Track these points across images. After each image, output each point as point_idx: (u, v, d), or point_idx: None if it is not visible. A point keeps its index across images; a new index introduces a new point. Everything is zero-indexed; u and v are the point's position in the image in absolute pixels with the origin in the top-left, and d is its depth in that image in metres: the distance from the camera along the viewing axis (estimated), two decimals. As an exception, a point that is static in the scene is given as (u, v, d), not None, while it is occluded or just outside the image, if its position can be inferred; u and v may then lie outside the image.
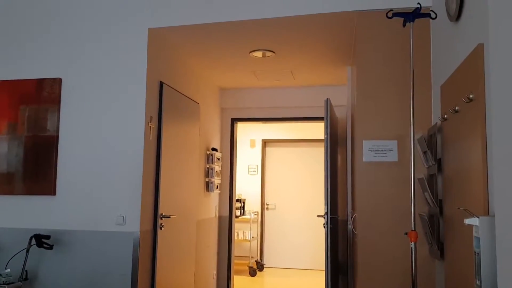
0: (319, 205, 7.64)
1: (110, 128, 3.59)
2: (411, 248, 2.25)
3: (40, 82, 3.70)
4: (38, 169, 3.63)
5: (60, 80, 3.69)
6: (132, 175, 3.51)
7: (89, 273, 3.47)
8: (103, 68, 3.65)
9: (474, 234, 1.76)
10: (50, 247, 3.38)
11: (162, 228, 3.77)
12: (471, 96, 2.00)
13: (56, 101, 3.67)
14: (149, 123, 3.63)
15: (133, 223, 3.47)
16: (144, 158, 3.53)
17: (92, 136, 3.61)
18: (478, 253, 1.71)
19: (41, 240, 3.37)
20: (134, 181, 3.50)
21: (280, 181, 8.00)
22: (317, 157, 7.85)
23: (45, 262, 3.54)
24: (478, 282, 1.72)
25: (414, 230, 2.28)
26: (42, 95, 3.69)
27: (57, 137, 3.66)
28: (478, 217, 1.69)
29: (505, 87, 1.65)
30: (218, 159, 5.41)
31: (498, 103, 1.69)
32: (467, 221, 1.76)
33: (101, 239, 3.49)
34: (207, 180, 5.13)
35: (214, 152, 5.24)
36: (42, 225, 3.59)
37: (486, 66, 1.88)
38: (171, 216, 3.89)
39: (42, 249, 3.48)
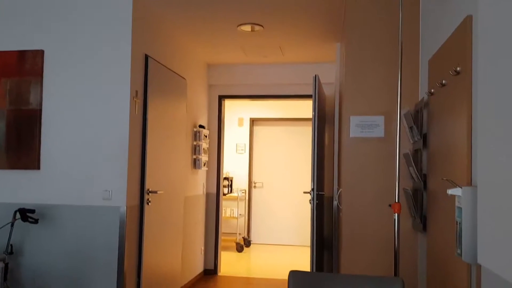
0: (306, 184, 7.69)
1: (95, 102, 3.54)
2: (395, 219, 2.28)
3: (21, 54, 3.62)
4: (21, 144, 3.58)
5: (42, 52, 3.61)
6: (117, 149, 3.48)
7: (76, 247, 3.46)
8: (86, 40, 3.58)
9: (457, 204, 1.78)
10: (35, 221, 3.36)
11: (149, 204, 3.77)
12: (458, 68, 2.00)
13: (38, 74, 3.60)
14: (135, 98, 3.58)
15: (120, 198, 3.45)
16: (130, 133, 3.50)
17: (76, 110, 3.56)
18: (459, 223, 1.73)
19: (25, 214, 3.35)
20: (120, 156, 3.47)
21: (268, 160, 8.02)
22: (305, 136, 7.86)
23: (31, 237, 3.52)
24: (459, 251, 1.75)
25: (398, 202, 2.31)
26: (24, 67, 3.61)
27: (40, 110, 3.60)
28: (461, 188, 1.70)
29: (493, 58, 1.64)
30: (206, 136, 5.38)
31: (485, 74, 1.69)
32: (450, 191, 1.78)
33: (87, 213, 3.48)
34: (194, 157, 5.12)
35: (201, 129, 5.22)
36: (27, 200, 3.55)
37: (474, 37, 1.88)
38: (158, 192, 3.88)
39: (27, 223, 3.45)
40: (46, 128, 3.59)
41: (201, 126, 5.29)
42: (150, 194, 3.77)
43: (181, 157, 4.57)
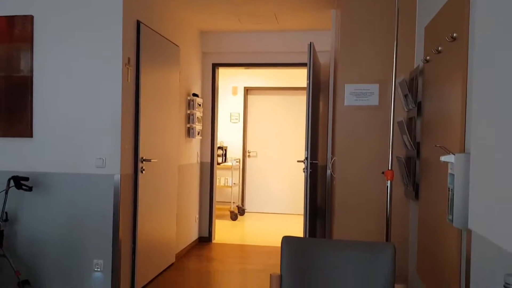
0: (300, 153, 7.69)
1: (86, 68, 3.48)
2: (387, 186, 2.30)
3: (10, 19, 3.53)
4: (13, 111, 3.54)
5: (31, 17, 3.52)
6: (110, 117, 3.45)
7: (70, 214, 3.48)
8: (76, 6, 3.49)
9: (449, 171, 1.80)
10: (29, 189, 3.36)
11: (143, 172, 3.77)
12: (454, 35, 1.98)
13: (28, 40, 3.52)
14: (127, 65, 3.53)
15: (114, 165, 3.45)
16: (123, 101, 3.46)
17: (68, 77, 3.51)
18: (451, 189, 1.75)
19: (19, 182, 3.34)
20: (113, 123, 3.45)
21: (262, 129, 8.01)
22: (300, 105, 7.83)
23: (25, 204, 3.52)
24: (450, 217, 1.77)
25: (391, 169, 2.32)
26: (13, 33, 3.53)
27: (31, 77, 3.54)
28: (454, 154, 1.71)
29: (490, 24, 1.62)
30: (199, 105, 5.35)
31: (482, 40, 1.67)
32: (443, 158, 1.79)
33: (81, 181, 3.48)
34: (188, 126, 5.10)
35: (195, 97, 5.18)
36: (20, 168, 3.54)
37: (471, 3, 1.85)
38: (152, 160, 3.88)
39: (21, 191, 3.45)
40: (38, 95, 3.54)
41: (194, 95, 5.24)
42: (144, 162, 3.77)
43: (175, 126, 4.55)
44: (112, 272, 3.43)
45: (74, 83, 3.50)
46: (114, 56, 3.44)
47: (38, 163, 3.53)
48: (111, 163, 3.45)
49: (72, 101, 3.50)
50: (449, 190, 1.79)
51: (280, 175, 7.96)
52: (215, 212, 5.76)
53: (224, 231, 6.30)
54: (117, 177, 3.44)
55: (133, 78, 3.64)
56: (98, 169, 3.46)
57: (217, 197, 6.13)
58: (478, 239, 1.54)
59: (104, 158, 3.46)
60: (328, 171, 4.52)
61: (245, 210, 7.83)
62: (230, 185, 7.40)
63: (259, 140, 8.03)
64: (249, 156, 8.04)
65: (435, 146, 2.09)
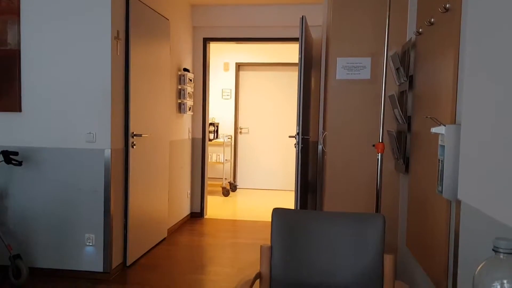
0: (292, 129, 7.71)
1: (75, 41, 3.42)
2: (378, 159, 2.30)
3: (-5, -10, 3.43)
4: (0, 85, 3.48)
5: (17, -12, 3.43)
6: (100, 91, 3.41)
7: (61, 189, 3.47)
8: (64, -24, 3.40)
9: (440, 143, 1.80)
10: (19, 164, 3.33)
11: (134, 147, 3.75)
12: (447, 5, 1.96)
13: (15, 12, 3.44)
14: (116, 38, 3.46)
15: (104, 140, 3.43)
16: (112, 74, 3.42)
17: (56, 50, 3.44)
18: (441, 161, 1.76)
19: (9, 156, 3.31)
20: (102, 97, 3.41)
21: (254, 105, 7.98)
22: (292, 81, 7.80)
23: (16, 179, 3.50)
24: (440, 188, 1.79)
25: (382, 142, 2.33)
26: (0, 6, 3.44)
27: (19, 51, 3.47)
28: (445, 126, 1.71)
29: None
30: (190, 80, 5.29)
31: (475, 11, 1.66)
32: (433, 129, 1.80)
33: (71, 156, 3.45)
34: (179, 101, 5.06)
35: (186, 72, 5.12)
36: (9, 142, 3.50)
37: (464, -28, 1.82)
38: (142, 135, 3.85)
39: (11, 166, 3.42)
40: (26, 69, 3.48)
41: (185, 70, 5.18)
42: (134, 137, 3.75)
43: (166, 101, 4.51)
44: (104, 246, 3.44)
45: (62, 56, 3.44)
46: (103, 29, 3.38)
47: (27, 138, 3.49)
48: (101, 138, 3.43)
49: (61, 75, 3.44)
50: (439, 162, 1.79)
51: (272, 151, 7.97)
52: (207, 188, 5.78)
53: (216, 207, 6.33)
54: (108, 152, 3.42)
55: (122, 52, 3.58)
56: (88, 143, 3.44)
57: (209, 173, 6.13)
58: (467, 209, 1.56)
59: (94, 132, 3.43)
60: (320, 146, 4.53)
61: (237, 186, 7.86)
62: (222, 161, 7.41)
63: (251, 117, 8.01)
64: (240, 132, 8.02)
65: (426, 117, 2.09)
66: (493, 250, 0.73)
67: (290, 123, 7.82)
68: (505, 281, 0.71)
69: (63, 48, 3.43)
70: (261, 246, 1.77)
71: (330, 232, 1.77)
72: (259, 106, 7.97)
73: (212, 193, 7.25)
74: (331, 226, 1.78)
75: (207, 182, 5.82)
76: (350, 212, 1.81)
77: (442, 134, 1.74)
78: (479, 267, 0.74)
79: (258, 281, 1.76)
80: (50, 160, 3.47)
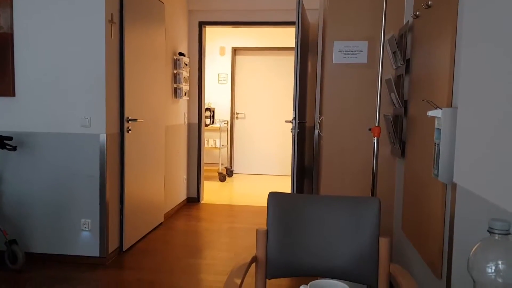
0: (288, 114, 7.70)
1: (69, 25, 3.37)
2: (374, 143, 2.30)
3: (-14, -28, 3.37)
4: (-7, 69, 3.44)
5: (8, -30, 3.36)
6: (94, 75, 3.37)
7: (56, 174, 3.45)
8: (56, -42, 3.34)
9: (436, 126, 1.79)
10: (14, 148, 3.31)
11: (130, 132, 3.73)
12: (445, -13, 1.93)
13: (6, -6, 3.38)
14: (110, 21, 3.42)
15: (99, 125, 3.40)
16: (106, 58, 3.38)
17: (50, 34, 3.40)
18: (438, 144, 1.75)
19: (3, 141, 3.29)
20: (97, 82, 3.38)
21: (250, 90, 7.94)
22: (288, 66, 7.75)
23: (10, 164, 3.48)
24: (435, 171, 1.78)
25: (378, 126, 2.32)
26: (-10, -14, 3.38)
27: (12, 35, 3.43)
28: (441, 109, 1.70)
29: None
30: (186, 64, 5.25)
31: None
32: (430, 113, 1.79)
33: (66, 141, 3.43)
34: (175, 86, 5.02)
35: (181, 57, 5.07)
36: (3, 127, 3.48)
37: (463, -47, 1.79)
38: (138, 120, 3.83)
39: (5, 151, 3.40)
40: (19, 53, 3.44)
41: (181, 54, 5.14)
42: (130, 122, 3.72)
43: (161, 85, 4.47)
44: (100, 231, 3.45)
45: (56, 40, 3.39)
46: (97, 11, 3.33)
47: (21, 122, 3.46)
48: (96, 123, 3.40)
49: (55, 59, 3.40)
50: (435, 145, 1.79)
51: (269, 136, 7.96)
52: (203, 173, 5.78)
53: (213, 192, 6.34)
54: (103, 136, 3.40)
55: (116, 35, 3.54)
56: (83, 128, 3.42)
57: (205, 158, 6.12)
58: (463, 192, 1.56)
59: (89, 117, 3.41)
60: (316, 131, 4.52)
61: (233, 172, 7.87)
62: (218, 146, 7.40)
63: (247, 101, 7.98)
64: (237, 117, 8.00)
65: (423, 100, 2.08)
66: (488, 231, 0.73)
67: (286, 108, 7.80)
68: (499, 262, 0.71)
69: (56, 32, 3.38)
70: (257, 230, 1.77)
71: (326, 215, 1.77)
72: (255, 91, 7.93)
73: (209, 178, 7.25)
74: (327, 209, 1.78)
75: (203, 167, 5.82)
76: (346, 195, 1.80)
77: (438, 117, 1.74)
78: (474, 249, 0.74)
79: (254, 264, 1.76)
80: (45, 145, 3.45)
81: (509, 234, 0.71)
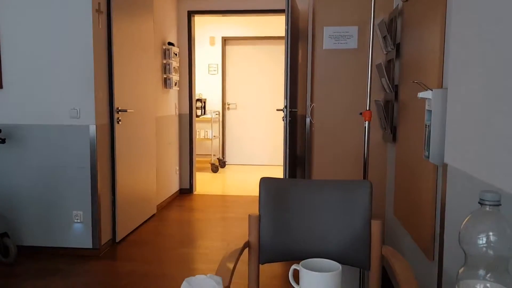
0: (280, 104, 7.68)
1: (55, 15, 3.31)
2: (365, 127, 2.29)
3: (-32, -39, 3.30)
4: (-22, 61, 3.38)
5: (-9, -41, 3.29)
6: (82, 66, 3.33)
7: (47, 166, 3.42)
8: None
9: (427, 108, 1.79)
10: (2, 141, 3.27)
11: (120, 123, 3.69)
12: (434, -32, 1.92)
13: (-10, -16, 3.31)
14: (97, 10, 3.37)
15: (88, 116, 3.37)
16: (94, 48, 3.33)
17: (36, 25, 3.34)
18: (428, 126, 1.75)
19: (-10, 134, 3.24)
20: (85, 72, 3.33)
21: (241, 80, 7.90)
22: (279, 55, 7.71)
23: (0, 157, 3.44)
24: (426, 153, 1.78)
25: (369, 109, 2.31)
26: (-27, -24, 3.31)
27: (-4, 25, 3.36)
28: (432, 90, 1.70)
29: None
30: (176, 54, 5.20)
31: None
32: (420, 94, 1.78)
33: (56, 132, 3.39)
34: (165, 76, 4.98)
35: (170, 46, 5.02)
36: (-9, 120, 3.43)
37: None
38: (128, 111, 3.79)
39: (-7, 144, 3.36)
40: (6, 44, 3.38)
41: (170, 44, 5.09)
42: (119, 112, 3.69)
43: (151, 76, 4.43)
44: (92, 223, 3.42)
45: (43, 31, 3.34)
46: (84, 1, 3.28)
47: (10, 115, 3.42)
48: (85, 114, 3.37)
49: (42, 50, 3.35)
50: (426, 127, 1.79)
51: (261, 127, 7.95)
52: (195, 164, 5.76)
53: (205, 183, 6.33)
54: (93, 127, 3.36)
55: (104, 25, 3.49)
56: (72, 119, 3.38)
57: (197, 150, 6.10)
58: (454, 171, 1.56)
59: (78, 108, 3.37)
60: (308, 119, 4.51)
61: (226, 163, 7.85)
62: (210, 137, 7.37)
63: (239, 92, 7.94)
64: (228, 108, 7.97)
65: (413, 82, 2.07)
66: (479, 203, 0.72)
67: (278, 98, 7.77)
68: (490, 233, 0.71)
69: (43, 23, 3.33)
70: (249, 215, 1.77)
71: (318, 199, 1.77)
72: (246, 81, 7.90)
73: (201, 169, 7.23)
74: (319, 193, 1.77)
75: (196, 158, 5.80)
76: (338, 179, 1.80)
77: (429, 99, 1.73)
78: (465, 221, 0.74)
79: (247, 250, 1.75)
80: (35, 137, 3.41)
81: (500, 205, 0.71)
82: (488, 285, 0.71)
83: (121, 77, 3.71)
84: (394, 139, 2.79)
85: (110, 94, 3.59)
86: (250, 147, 7.98)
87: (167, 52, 4.96)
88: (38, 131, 3.40)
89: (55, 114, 3.38)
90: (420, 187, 2.07)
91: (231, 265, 1.51)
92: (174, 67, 5.11)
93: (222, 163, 7.60)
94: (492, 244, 0.70)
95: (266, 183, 1.81)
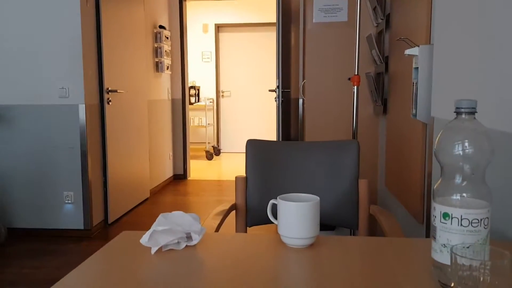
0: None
1: (41, -8, 3.27)
2: (354, 92, 2.27)
3: None
4: (-35, 41, 3.34)
5: None
6: (70, 45, 3.29)
7: (36, 147, 3.38)
8: None
9: (414, 65, 1.77)
10: (-10, 121, 3.24)
11: (110, 103, 3.66)
12: None
13: (-26, -38, 3.26)
14: (85, -12, 3.33)
15: (77, 95, 3.33)
16: (82, 26, 3.30)
17: (23, 4, 3.29)
18: (416, 83, 1.73)
19: (-22, 114, 3.20)
20: (73, 51, 3.30)
21: (235, 68, 7.86)
22: (273, 42, 7.67)
23: (-13, 139, 3.41)
24: (414, 111, 1.76)
25: (357, 74, 2.29)
26: (-43, -46, 3.26)
27: (-18, 4, 3.32)
28: (419, 46, 1.68)
29: None
30: (167, 37, 5.16)
31: None
32: (407, 51, 1.76)
33: (44, 112, 3.36)
34: (157, 60, 4.94)
35: (162, 30, 4.98)
36: (-21, 101, 3.39)
37: None
38: (118, 91, 3.76)
39: (-19, 125, 3.32)
40: (-10, 24, 3.34)
41: (161, 27, 5.04)
42: (110, 93, 3.65)
43: (142, 58, 4.39)
44: (83, 203, 3.40)
45: (29, 9, 3.29)
46: (69, -23, 3.24)
47: (-3, 95, 3.38)
48: (74, 93, 3.33)
49: (29, 29, 3.31)
50: (413, 85, 1.77)
51: (255, 114, 7.92)
52: (189, 150, 5.73)
53: (200, 170, 6.30)
54: (82, 107, 3.33)
55: (92, 4, 3.45)
56: (61, 99, 3.34)
57: (192, 137, 6.07)
58: (441, 123, 1.54)
59: (67, 87, 3.33)
60: (301, 100, 4.48)
61: (221, 150, 7.83)
62: (204, 125, 7.34)
63: (233, 79, 7.90)
64: (222, 96, 7.93)
65: (399, 39, 2.05)
66: (454, 112, 0.70)
67: (272, 85, 7.74)
68: (466, 141, 0.68)
69: (30, 2, 3.28)
70: (236, 177, 1.74)
71: (305, 160, 1.75)
72: (240, 68, 7.86)
73: (196, 157, 7.21)
74: (306, 154, 1.75)
75: (190, 146, 5.77)
76: (325, 140, 1.78)
77: (416, 56, 1.71)
78: (439, 134, 0.71)
79: (234, 212, 1.73)
80: (24, 118, 3.37)
81: (476, 112, 0.69)
82: (464, 194, 0.69)
83: (111, 56, 3.67)
84: (385, 111, 2.77)
85: (100, 73, 3.56)
86: (245, 134, 7.96)
87: (158, 35, 4.92)
88: (27, 111, 3.36)
89: (43, 94, 3.35)
90: (410, 151, 2.05)
91: (217, 221, 1.49)
92: (165, 51, 5.07)
93: (217, 151, 7.58)
94: (467, 151, 0.68)
95: (252, 145, 1.79)
